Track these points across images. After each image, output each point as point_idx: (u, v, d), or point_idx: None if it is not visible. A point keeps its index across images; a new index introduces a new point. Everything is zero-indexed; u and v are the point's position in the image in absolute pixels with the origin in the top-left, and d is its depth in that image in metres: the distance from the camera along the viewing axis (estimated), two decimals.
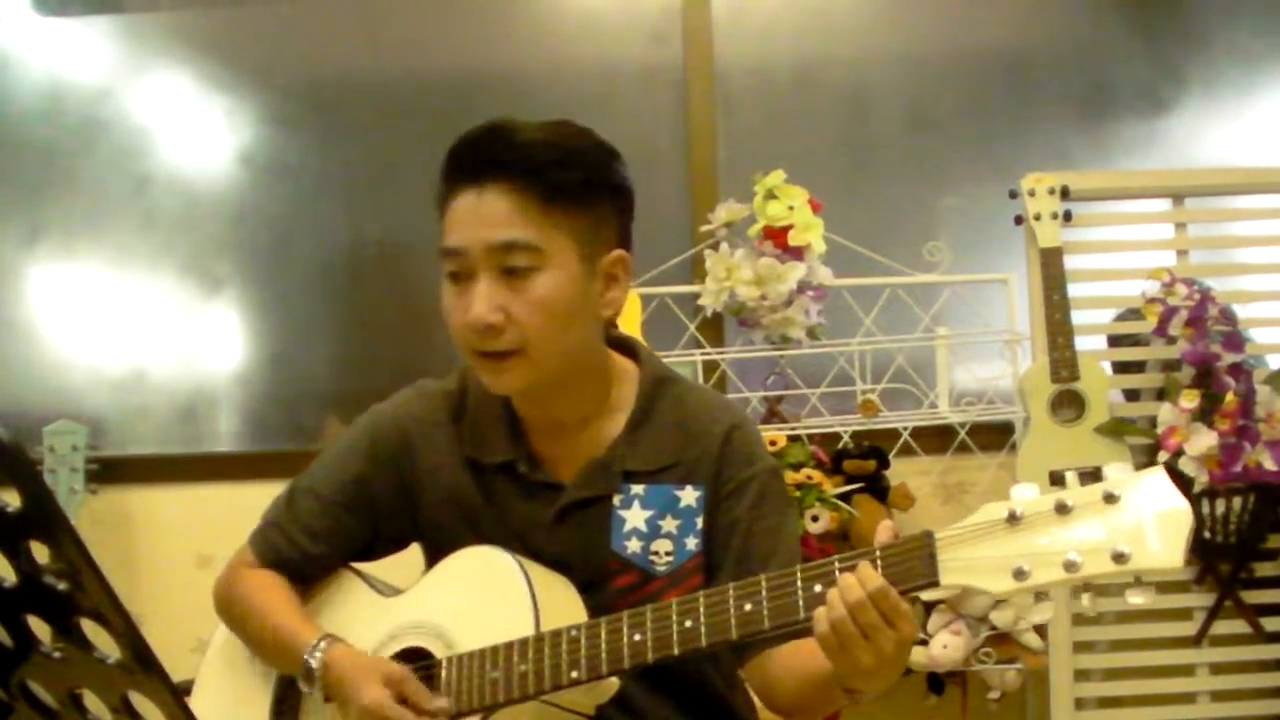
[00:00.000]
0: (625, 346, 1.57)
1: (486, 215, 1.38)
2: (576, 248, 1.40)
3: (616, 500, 1.48)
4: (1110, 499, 1.10)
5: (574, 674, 1.32)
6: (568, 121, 1.44)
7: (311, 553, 1.55)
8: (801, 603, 1.23)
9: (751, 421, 1.60)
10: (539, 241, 1.38)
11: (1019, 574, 1.12)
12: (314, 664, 1.42)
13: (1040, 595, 1.15)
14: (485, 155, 1.39)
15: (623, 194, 1.47)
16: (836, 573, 1.22)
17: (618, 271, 1.46)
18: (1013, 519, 1.14)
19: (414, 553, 1.60)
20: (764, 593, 1.26)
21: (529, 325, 1.38)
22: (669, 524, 1.48)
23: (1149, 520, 1.09)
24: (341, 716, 1.42)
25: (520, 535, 1.49)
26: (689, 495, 1.48)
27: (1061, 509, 1.12)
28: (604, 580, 1.47)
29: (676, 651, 1.29)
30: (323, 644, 1.43)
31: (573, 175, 1.39)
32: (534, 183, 1.37)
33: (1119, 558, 1.08)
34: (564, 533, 1.49)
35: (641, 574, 1.47)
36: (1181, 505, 1.09)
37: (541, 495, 1.50)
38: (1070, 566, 1.10)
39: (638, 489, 1.48)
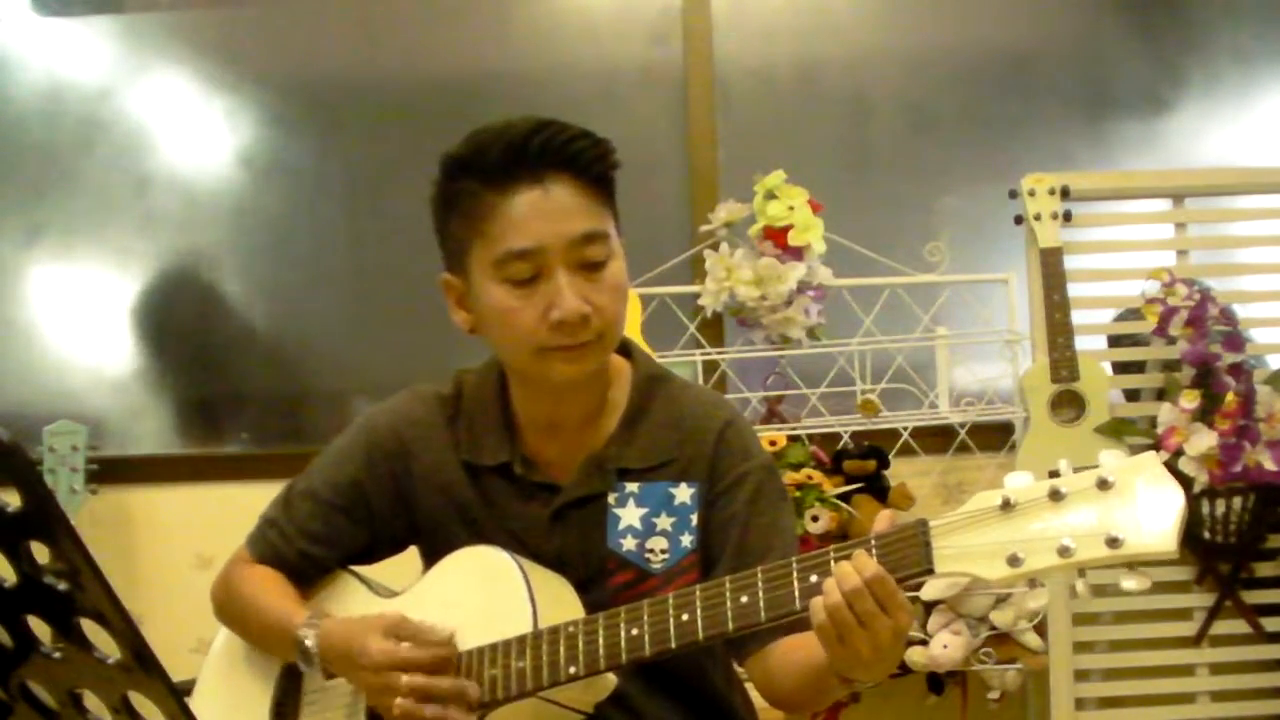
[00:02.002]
0: (619, 345, 1.57)
1: (558, 209, 1.38)
2: (617, 233, 1.44)
3: (612, 499, 1.48)
4: (1104, 485, 1.11)
5: (572, 669, 1.32)
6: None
7: (309, 553, 1.55)
8: (797, 593, 1.23)
9: (745, 418, 1.61)
10: (607, 229, 1.41)
11: (1013, 560, 1.13)
12: (308, 641, 1.41)
13: (1034, 581, 1.15)
14: (540, 151, 1.38)
15: None
16: (832, 563, 1.22)
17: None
18: (1006, 506, 1.14)
19: (412, 554, 1.60)
20: (760, 585, 1.26)
21: (609, 311, 1.41)
22: (664, 521, 1.48)
23: (1142, 505, 1.09)
24: (352, 684, 1.42)
25: (517, 536, 1.49)
26: (684, 492, 1.49)
27: (1055, 495, 1.12)
28: (601, 578, 1.48)
29: (674, 645, 1.29)
30: (312, 620, 1.43)
31: (610, 164, 1.43)
32: (587, 173, 1.40)
33: (1113, 542, 1.08)
34: (561, 532, 1.49)
35: (637, 572, 1.47)
36: (1175, 489, 1.09)
37: (538, 496, 1.50)
38: (1064, 552, 1.10)
39: (632, 487, 1.48)
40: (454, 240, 1.44)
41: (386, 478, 1.54)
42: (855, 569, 1.18)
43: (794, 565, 1.25)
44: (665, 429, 1.50)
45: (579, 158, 1.39)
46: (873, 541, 1.21)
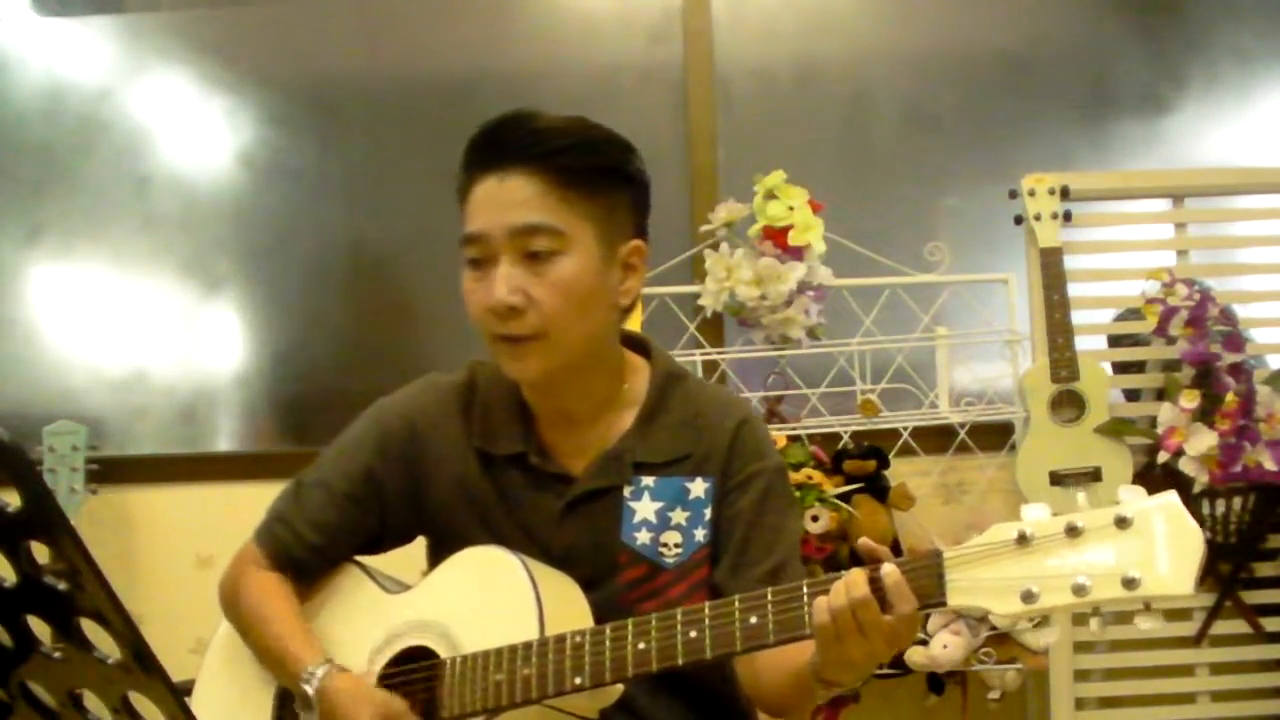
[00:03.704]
0: (637, 343, 1.58)
1: (508, 199, 1.39)
2: (595, 233, 1.42)
3: (627, 492, 1.48)
4: (1122, 523, 1.10)
5: (577, 680, 1.32)
6: (584, 117, 1.46)
7: (318, 547, 1.55)
8: (808, 617, 1.23)
9: (761, 418, 1.61)
10: (560, 225, 1.40)
11: (1027, 596, 1.12)
12: (310, 692, 1.41)
13: (1045, 617, 1.15)
14: (507, 142, 1.41)
15: (639, 185, 1.49)
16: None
17: (634, 261, 1.48)
18: (1022, 540, 1.13)
19: (418, 547, 1.60)
20: (769, 606, 1.26)
21: (549, 308, 1.39)
22: (678, 516, 1.48)
23: (1160, 545, 1.08)
24: None
25: (528, 527, 1.50)
26: (698, 487, 1.49)
27: (1072, 531, 1.11)
28: (612, 573, 1.48)
29: (680, 662, 1.29)
30: (320, 671, 1.42)
31: (591, 161, 1.42)
32: (554, 167, 1.39)
33: (1129, 583, 1.08)
34: (573, 524, 1.49)
35: (650, 566, 1.48)
36: (1194, 531, 1.09)
37: (552, 487, 1.50)
38: (1079, 590, 1.09)
39: (648, 481, 1.49)
40: None
41: (398, 466, 1.54)
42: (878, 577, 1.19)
43: (804, 589, 1.25)
44: (682, 425, 1.51)
45: (535, 151, 1.39)
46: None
